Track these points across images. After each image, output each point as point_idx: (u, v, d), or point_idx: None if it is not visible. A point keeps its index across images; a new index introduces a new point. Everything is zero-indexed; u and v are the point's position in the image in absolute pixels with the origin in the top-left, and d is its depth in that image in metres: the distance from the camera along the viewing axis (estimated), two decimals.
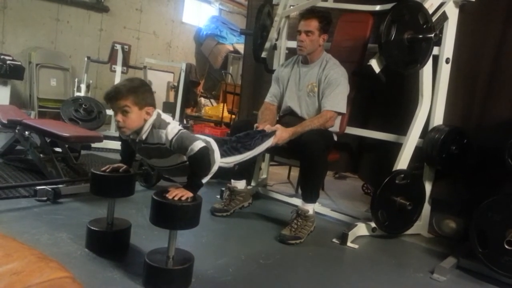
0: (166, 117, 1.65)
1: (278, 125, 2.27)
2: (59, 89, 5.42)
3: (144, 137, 1.62)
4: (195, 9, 7.80)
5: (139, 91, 1.58)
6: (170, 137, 1.56)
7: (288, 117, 2.57)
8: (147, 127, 1.60)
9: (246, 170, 2.71)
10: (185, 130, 1.61)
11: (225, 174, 2.70)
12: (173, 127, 1.58)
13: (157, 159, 1.70)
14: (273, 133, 2.19)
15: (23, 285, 0.66)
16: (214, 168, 1.80)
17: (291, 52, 2.97)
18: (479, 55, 2.48)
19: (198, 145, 1.55)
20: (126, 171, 1.82)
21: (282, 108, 2.63)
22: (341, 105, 2.40)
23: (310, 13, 2.45)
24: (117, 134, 4.19)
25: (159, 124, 1.60)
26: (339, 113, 2.42)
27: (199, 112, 6.51)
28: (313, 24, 2.40)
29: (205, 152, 1.58)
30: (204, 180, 1.65)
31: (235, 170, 2.02)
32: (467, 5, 2.43)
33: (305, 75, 2.52)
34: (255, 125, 2.30)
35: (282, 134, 2.21)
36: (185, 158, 1.63)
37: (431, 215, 2.61)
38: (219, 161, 1.85)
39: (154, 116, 1.61)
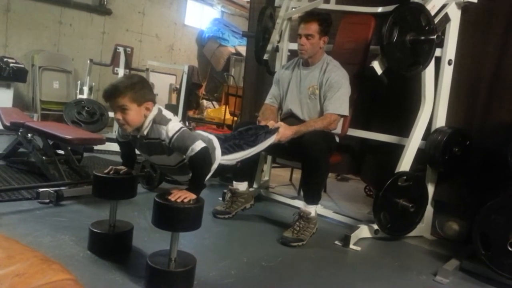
0: (167, 113, 1.63)
1: (281, 123, 2.29)
2: (62, 91, 5.44)
3: (145, 132, 1.60)
4: (197, 12, 7.82)
5: (136, 87, 1.55)
6: (170, 134, 1.54)
7: (289, 119, 2.56)
8: (147, 122, 1.58)
9: (247, 172, 2.71)
10: (185, 128, 1.59)
11: (226, 174, 2.69)
12: (174, 125, 1.57)
13: (158, 155, 1.67)
14: (276, 130, 2.20)
15: (25, 287, 0.66)
16: (214, 166, 1.80)
17: (293, 54, 2.97)
18: (482, 57, 2.47)
19: (199, 145, 1.54)
20: (128, 173, 1.82)
21: (284, 111, 2.63)
22: (344, 108, 2.40)
23: (310, 16, 2.45)
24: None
25: (160, 120, 1.58)
26: (342, 116, 2.42)
27: (201, 114, 6.52)
28: (313, 27, 2.40)
29: (206, 153, 1.57)
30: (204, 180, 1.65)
31: (237, 167, 2.01)
32: (470, 7, 2.43)
33: (306, 77, 2.52)
34: (258, 119, 2.29)
35: (285, 131, 2.22)
36: (184, 157, 1.61)
37: (433, 217, 2.60)
38: (220, 159, 1.84)
39: (155, 112, 1.59)
